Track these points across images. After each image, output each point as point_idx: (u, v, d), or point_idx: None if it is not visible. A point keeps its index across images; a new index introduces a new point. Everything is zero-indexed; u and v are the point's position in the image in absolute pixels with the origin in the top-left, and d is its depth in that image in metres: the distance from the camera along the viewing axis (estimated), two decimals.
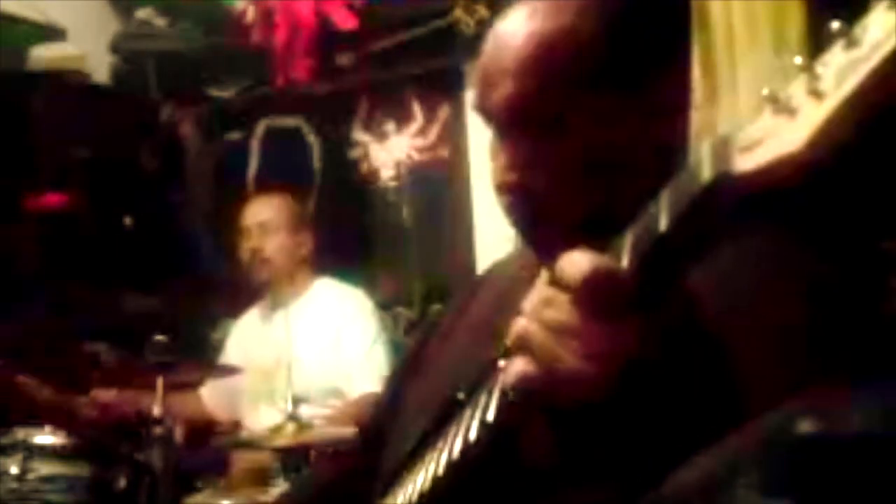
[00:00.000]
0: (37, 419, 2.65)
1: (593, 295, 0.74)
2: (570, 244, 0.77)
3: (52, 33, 3.77)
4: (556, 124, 0.98)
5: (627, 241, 0.77)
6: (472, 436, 0.91)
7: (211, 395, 3.31)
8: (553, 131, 0.98)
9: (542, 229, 1.00)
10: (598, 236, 0.78)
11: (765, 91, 0.64)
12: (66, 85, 3.71)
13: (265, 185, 3.81)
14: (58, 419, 2.71)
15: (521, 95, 0.98)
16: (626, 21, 0.99)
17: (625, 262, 0.76)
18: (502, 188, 1.02)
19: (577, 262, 0.75)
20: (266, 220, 3.22)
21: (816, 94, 0.60)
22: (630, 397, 0.76)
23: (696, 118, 1.02)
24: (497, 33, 1.02)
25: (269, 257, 3.19)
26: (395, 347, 3.18)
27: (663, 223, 0.72)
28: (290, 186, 3.55)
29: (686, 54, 1.06)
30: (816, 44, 0.61)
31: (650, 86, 0.99)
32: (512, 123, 1.00)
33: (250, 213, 3.26)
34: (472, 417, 0.92)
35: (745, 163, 0.65)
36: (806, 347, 0.85)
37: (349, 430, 2.32)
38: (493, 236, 3.16)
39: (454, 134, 3.55)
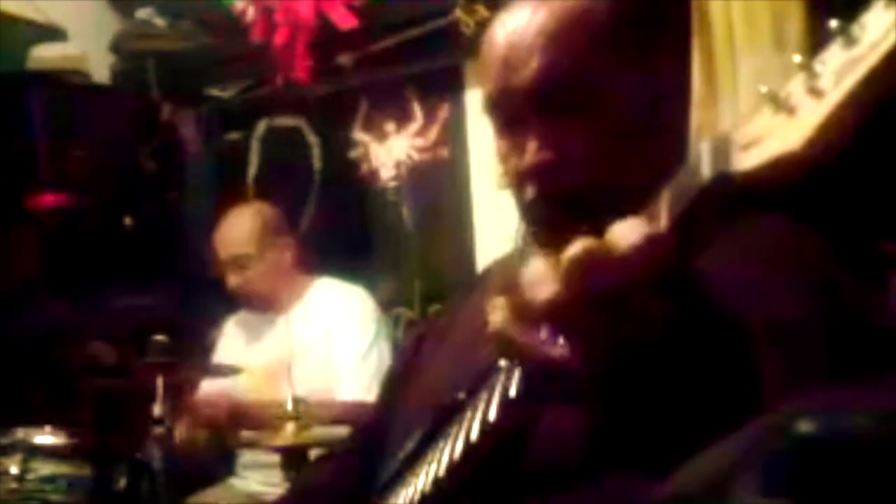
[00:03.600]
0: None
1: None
2: (611, 217, 0.77)
3: (52, 33, 3.77)
4: (587, 95, 0.99)
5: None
6: (474, 436, 0.91)
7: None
8: (585, 102, 0.99)
9: (579, 204, 0.99)
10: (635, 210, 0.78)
11: (763, 89, 0.64)
12: (66, 85, 3.71)
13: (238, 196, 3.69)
14: None
15: (552, 68, 0.99)
16: None
17: None
18: (530, 173, 1.01)
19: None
20: (238, 253, 3.11)
21: (815, 92, 0.60)
22: (636, 384, 0.75)
23: (697, 117, 1.02)
24: (506, 22, 1.03)
25: (253, 291, 3.14)
26: (396, 348, 3.17)
27: (663, 222, 0.72)
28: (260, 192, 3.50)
29: (686, 34, 1.07)
30: (816, 43, 0.61)
31: (652, 60, 1.01)
32: (542, 100, 1.00)
33: (222, 243, 3.15)
34: (473, 418, 0.92)
35: (744, 161, 0.65)
36: (806, 346, 0.85)
37: (349, 430, 2.32)
38: (493, 236, 3.16)
39: (454, 134, 3.55)
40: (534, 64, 0.99)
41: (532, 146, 1.00)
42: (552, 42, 0.99)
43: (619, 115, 0.99)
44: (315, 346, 3.04)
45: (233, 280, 3.14)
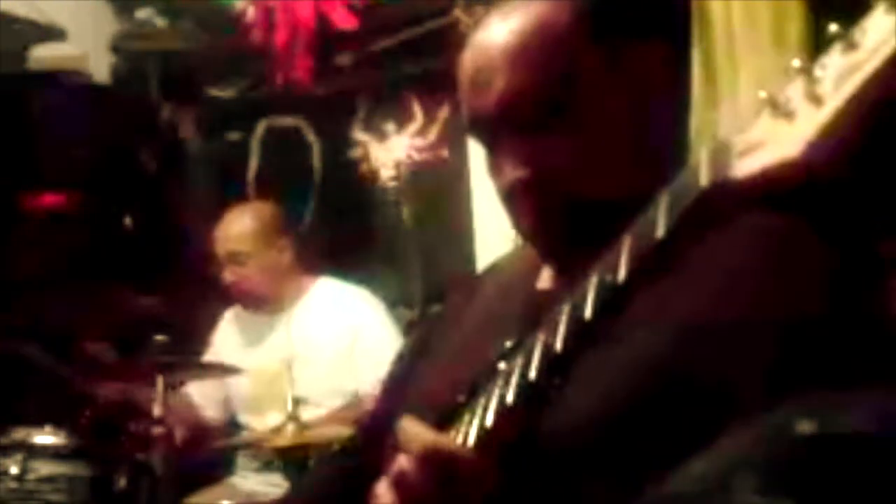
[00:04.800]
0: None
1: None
2: (593, 230, 0.77)
3: (52, 33, 3.77)
4: (554, 109, 0.98)
5: (625, 246, 0.76)
6: (471, 440, 0.91)
7: (203, 395, 3.27)
8: (553, 116, 0.98)
9: (564, 218, 0.99)
10: (620, 219, 0.78)
11: (762, 94, 0.64)
12: (66, 85, 3.71)
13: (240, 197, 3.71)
14: None
15: (515, 88, 0.98)
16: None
17: (622, 268, 0.76)
18: (514, 190, 1.00)
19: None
20: (235, 250, 3.08)
21: (815, 97, 0.60)
22: None
23: (696, 118, 1.02)
24: (475, 42, 1.03)
25: (248, 289, 3.11)
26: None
27: (661, 228, 0.72)
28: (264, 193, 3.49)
29: (674, 33, 1.07)
30: (816, 44, 0.61)
31: (628, 60, 1.00)
32: (511, 119, 0.99)
33: (220, 239, 3.12)
34: (470, 423, 0.92)
35: (743, 167, 0.65)
36: (806, 346, 0.85)
37: (349, 430, 2.32)
38: (493, 236, 3.16)
39: (454, 134, 3.55)
40: (498, 85, 0.99)
41: (507, 165, 1.00)
42: (514, 62, 0.98)
43: (597, 124, 0.98)
44: (324, 347, 3.02)
45: (228, 276, 3.11)
